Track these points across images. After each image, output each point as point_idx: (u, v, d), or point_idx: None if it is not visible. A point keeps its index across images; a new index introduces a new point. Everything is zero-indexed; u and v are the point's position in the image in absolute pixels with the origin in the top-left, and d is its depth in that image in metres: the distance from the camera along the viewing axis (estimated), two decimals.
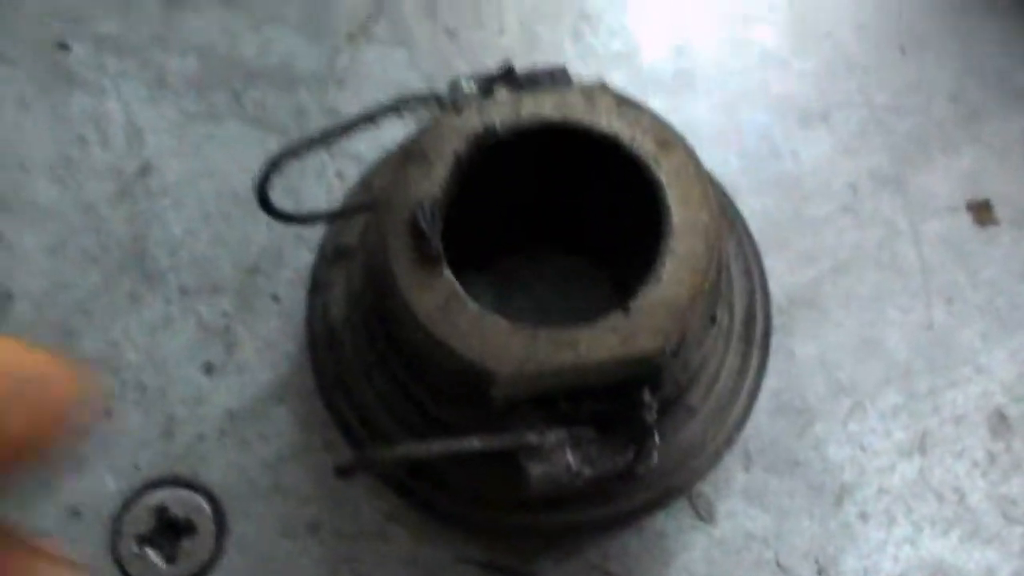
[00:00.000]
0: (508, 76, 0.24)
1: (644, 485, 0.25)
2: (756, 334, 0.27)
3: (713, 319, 0.23)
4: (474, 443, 0.20)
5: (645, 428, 0.21)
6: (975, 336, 0.30)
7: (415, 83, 0.31)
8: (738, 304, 0.27)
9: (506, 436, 0.20)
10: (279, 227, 0.30)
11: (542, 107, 0.22)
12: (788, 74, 0.32)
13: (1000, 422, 0.29)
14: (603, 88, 0.23)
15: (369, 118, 0.23)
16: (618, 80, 0.32)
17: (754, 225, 0.30)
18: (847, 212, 0.31)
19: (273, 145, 0.30)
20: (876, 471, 0.28)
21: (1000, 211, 0.31)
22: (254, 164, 0.30)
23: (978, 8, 0.34)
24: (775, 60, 0.33)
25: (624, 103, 0.23)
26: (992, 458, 0.28)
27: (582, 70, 0.32)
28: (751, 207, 0.30)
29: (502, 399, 0.21)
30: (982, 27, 0.33)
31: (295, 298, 0.29)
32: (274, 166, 0.23)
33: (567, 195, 0.26)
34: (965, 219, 0.31)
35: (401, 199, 0.22)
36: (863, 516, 0.28)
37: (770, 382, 0.29)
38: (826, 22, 0.33)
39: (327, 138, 0.23)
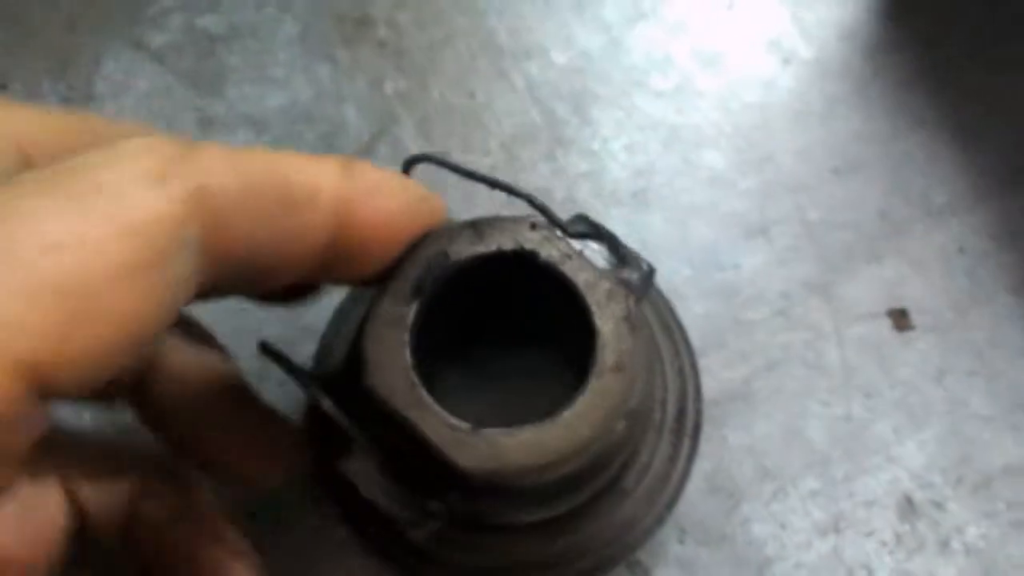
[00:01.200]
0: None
1: (581, 556, 0.29)
2: (687, 426, 0.31)
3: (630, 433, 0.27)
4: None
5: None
6: (888, 429, 0.34)
7: None
8: (671, 401, 0.31)
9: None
10: (290, 320, 0.35)
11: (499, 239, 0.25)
12: (733, 193, 0.37)
13: (907, 506, 0.33)
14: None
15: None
16: (583, 195, 0.37)
17: (697, 327, 0.34)
18: (779, 316, 0.35)
19: None
20: (795, 547, 0.32)
21: (916, 318, 0.35)
22: None
23: (905, 135, 0.38)
24: (722, 180, 0.37)
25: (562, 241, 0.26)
26: (899, 538, 0.32)
27: (554, 186, 0.37)
28: (695, 311, 0.35)
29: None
30: (908, 151, 0.38)
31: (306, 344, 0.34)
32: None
33: (530, 304, 0.30)
34: (885, 324, 0.35)
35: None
36: None
37: (704, 465, 0.33)
38: (767, 147, 0.38)
39: None
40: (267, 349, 0.27)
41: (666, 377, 0.31)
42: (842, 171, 0.38)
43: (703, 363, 0.33)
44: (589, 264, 0.25)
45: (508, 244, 0.25)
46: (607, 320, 0.24)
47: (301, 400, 0.34)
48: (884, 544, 0.32)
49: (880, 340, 0.35)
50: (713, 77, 0.39)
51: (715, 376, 0.34)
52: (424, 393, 0.24)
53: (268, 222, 0.20)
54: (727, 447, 0.33)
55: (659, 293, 0.33)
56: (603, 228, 0.26)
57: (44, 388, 0.17)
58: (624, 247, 0.26)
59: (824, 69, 0.39)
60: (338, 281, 0.25)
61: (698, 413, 0.31)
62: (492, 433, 0.23)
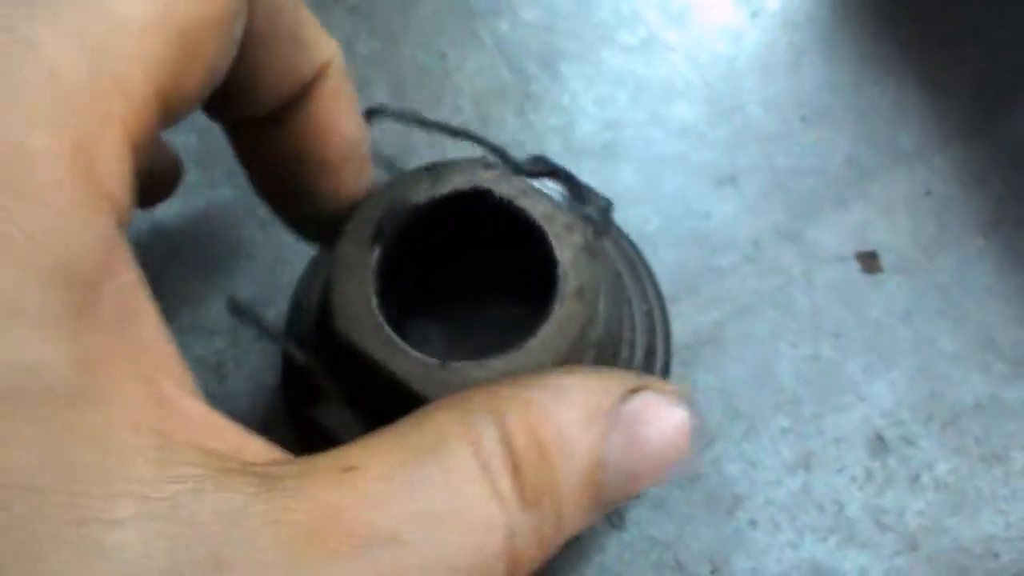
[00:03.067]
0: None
1: None
2: (656, 366, 0.32)
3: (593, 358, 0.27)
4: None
5: None
6: (858, 369, 0.34)
7: (382, 149, 0.37)
8: (639, 342, 0.31)
9: None
10: (266, 279, 0.36)
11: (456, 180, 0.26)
12: (702, 144, 0.38)
13: (877, 443, 0.33)
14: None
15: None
16: (554, 149, 0.38)
17: (669, 274, 0.35)
18: (749, 262, 0.36)
19: (261, 210, 0.36)
20: (765, 484, 0.33)
21: (885, 260, 0.36)
22: (244, 225, 0.36)
23: (871, 83, 0.38)
24: (691, 132, 0.38)
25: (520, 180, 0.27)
26: (869, 474, 0.33)
27: (525, 140, 0.37)
28: (667, 259, 0.36)
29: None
30: (875, 100, 0.38)
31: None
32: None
33: (495, 250, 0.30)
34: (853, 267, 0.36)
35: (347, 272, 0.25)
36: (752, 523, 0.32)
37: None
38: (736, 99, 0.38)
39: None
40: (236, 307, 0.27)
41: (634, 318, 0.31)
42: (810, 120, 0.38)
43: (675, 309, 0.34)
44: (546, 198, 0.25)
45: (464, 184, 0.26)
46: (566, 249, 0.25)
47: (277, 356, 0.34)
48: (854, 480, 0.33)
49: (849, 283, 0.35)
50: (681, 31, 0.40)
51: (687, 321, 0.35)
52: (391, 332, 0.24)
53: (281, 24, 0.22)
54: (698, 389, 0.34)
55: (625, 236, 0.33)
56: (559, 166, 0.26)
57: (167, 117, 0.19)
58: (581, 183, 0.26)
59: (791, 21, 0.40)
60: (298, 186, 0.26)
61: (667, 353, 0.32)
62: (460, 366, 0.24)
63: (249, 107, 0.24)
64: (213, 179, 0.37)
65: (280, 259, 0.35)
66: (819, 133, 0.38)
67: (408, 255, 0.27)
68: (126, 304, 0.17)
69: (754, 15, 0.40)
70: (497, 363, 0.24)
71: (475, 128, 0.38)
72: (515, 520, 0.18)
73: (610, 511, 0.21)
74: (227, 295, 0.35)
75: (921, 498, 0.32)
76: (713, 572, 0.31)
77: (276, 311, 0.35)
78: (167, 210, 0.36)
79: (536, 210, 0.25)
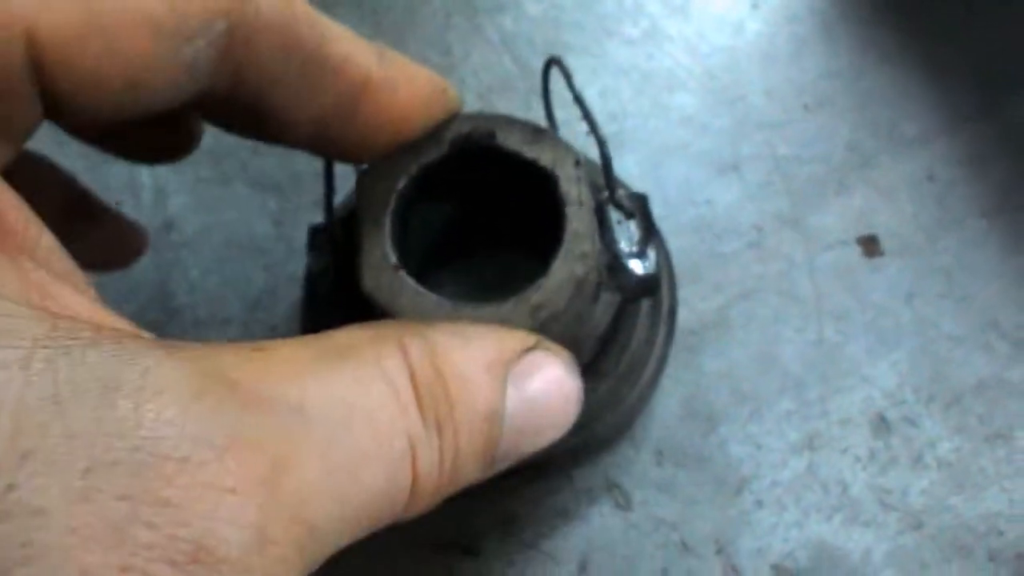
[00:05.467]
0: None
1: (565, 438, 0.30)
2: (662, 311, 0.32)
3: (596, 298, 0.28)
4: None
5: None
6: (861, 351, 0.35)
7: None
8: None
9: None
10: (277, 270, 0.36)
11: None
12: (705, 132, 0.38)
13: (880, 423, 0.34)
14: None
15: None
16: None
17: (673, 261, 0.35)
18: (752, 248, 0.36)
19: (272, 203, 0.37)
20: (770, 466, 0.33)
21: (886, 244, 0.36)
22: (256, 219, 0.37)
23: (872, 70, 0.39)
24: (694, 121, 0.38)
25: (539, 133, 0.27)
26: (872, 454, 0.33)
27: None
28: (671, 246, 0.36)
29: None
30: (876, 86, 0.39)
31: (289, 328, 0.35)
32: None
33: (514, 210, 0.31)
34: (855, 251, 0.36)
35: (374, 195, 0.26)
36: (758, 504, 0.33)
37: (681, 391, 0.34)
38: (738, 88, 0.39)
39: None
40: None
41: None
42: (811, 107, 0.38)
43: (680, 295, 0.34)
44: (551, 143, 0.27)
45: (465, 128, 0.27)
46: (573, 205, 0.26)
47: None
48: (858, 460, 0.33)
49: (851, 266, 0.36)
50: (683, 22, 0.40)
51: (692, 307, 0.35)
52: (405, 277, 0.25)
53: (293, 60, 0.23)
54: (703, 374, 0.34)
55: (626, 186, 0.33)
56: (646, 211, 0.29)
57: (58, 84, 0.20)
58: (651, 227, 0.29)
59: (792, 10, 0.40)
60: (355, 155, 0.27)
61: (672, 299, 0.32)
62: (457, 307, 0.24)
63: (289, 129, 0.25)
64: (225, 174, 0.38)
65: (292, 252, 0.36)
66: (820, 120, 0.38)
67: (425, 207, 0.28)
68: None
69: (755, 5, 0.40)
70: (491, 308, 0.24)
71: None
72: (417, 431, 0.19)
73: (499, 469, 0.22)
74: (244, 289, 0.36)
75: (924, 477, 0.33)
76: (718, 552, 0.32)
77: (288, 302, 0.36)
78: (180, 205, 0.37)
79: (544, 159, 0.26)
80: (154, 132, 0.28)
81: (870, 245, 0.36)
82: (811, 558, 0.32)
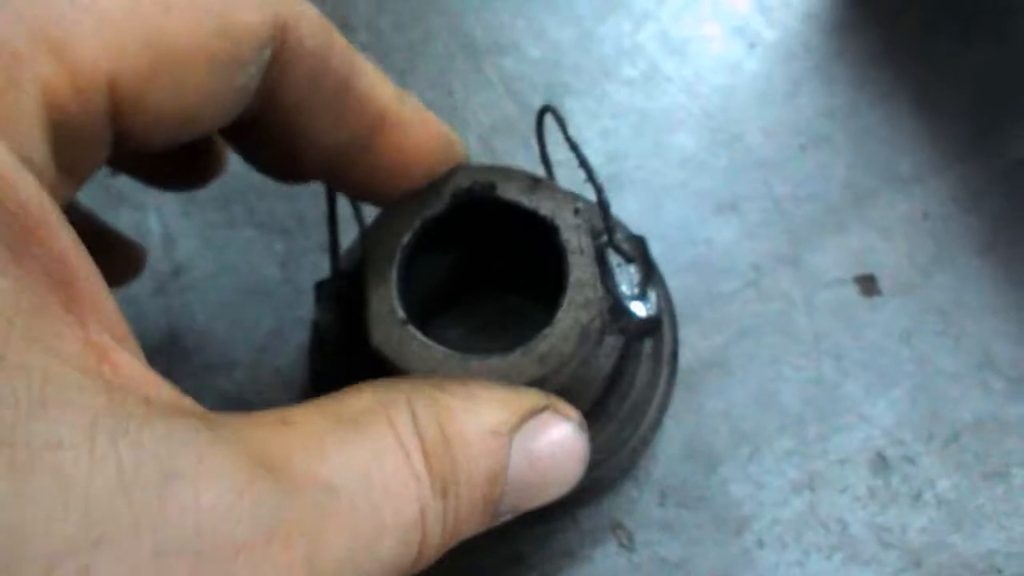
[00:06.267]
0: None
1: None
2: (664, 353, 0.32)
3: (600, 342, 0.28)
4: None
5: None
6: (859, 389, 0.35)
7: None
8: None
9: None
10: (284, 313, 0.37)
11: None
12: (703, 172, 0.39)
13: (879, 462, 0.34)
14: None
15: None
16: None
17: (673, 300, 0.36)
18: (751, 287, 0.37)
19: (278, 246, 0.38)
20: (771, 505, 0.34)
21: (883, 283, 0.37)
22: (263, 262, 0.38)
23: (867, 109, 0.39)
24: (692, 161, 0.39)
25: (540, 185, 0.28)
26: (872, 493, 0.34)
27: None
28: (671, 285, 0.36)
29: None
30: (871, 125, 0.39)
31: (294, 371, 0.36)
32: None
33: (515, 256, 0.31)
34: (852, 290, 0.37)
35: (379, 250, 0.27)
36: (759, 543, 0.33)
37: (682, 431, 0.35)
38: (735, 127, 0.39)
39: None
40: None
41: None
42: (808, 147, 0.39)
43: (679, 335, 0.35)
44: (550, 194, 0.28)
45: (465, 181, 0.28)
46: (575, 254, 0.26)
47: (297, 390, 0.36)
48: (858, 499, 0.33)
49: (848, 305, 0.36)
50: (681, 63, 0.41)
51: (691, 346, 0.36)
52: (413, 330, 0.26)
53: (323, 88, 0.24)
54: (704, 413, 0.35)
55: (625, 229, 0.34)
56: (646, 255, 0.30)
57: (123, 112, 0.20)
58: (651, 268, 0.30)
59: (788, 51, 0.41)
60: (347, 187, 0.28)
61: (674, 341, 0.33)
62: (465, 359, 0.25)
63: (307, 156, 0.26)
64: (232, 218, 0.38)
65: (298, 295, 0.37)
66: (817, 159, 0.39)
67: (429, 256, 0.29)
68: (61, 265, 0.18)
69: (752, 46, 0.41)
70: (497, 360, 0.25)
71: (482, 162, 0.39)
72: (426, 498, 0.20)
73: (502, 522, 0.23)
74: (255, 329, 0.36)
75: (923, 515, 0.33)
76: None
77: (294, 344, 0.36)
78: (188, 249, 0.38)
79: (544, 208, 0.27)
80: (186, 157, 0.29)
81: (867, 284, 0.37)
82: None
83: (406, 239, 0.27)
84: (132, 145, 0.21)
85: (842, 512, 0.33)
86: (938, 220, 0.38)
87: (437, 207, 0.28)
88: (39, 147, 0.18)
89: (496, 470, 0.21)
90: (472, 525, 0.22)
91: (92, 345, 0.17)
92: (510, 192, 0.28)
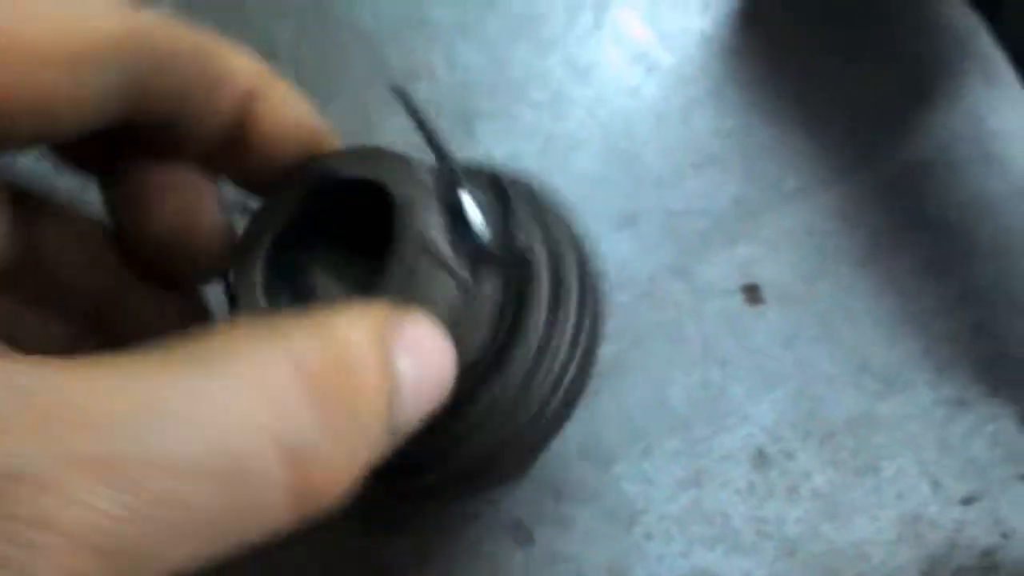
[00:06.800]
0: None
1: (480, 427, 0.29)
2: (578, 351, 0.31)
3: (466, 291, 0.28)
4: None
5: None
6: (743, 392, 0.38)
7: None
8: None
9: None
10: None
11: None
12: (603, 190, 0.41)
13: (760, 458, 0.37)
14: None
15: None
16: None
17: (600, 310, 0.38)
18: (645, 298, 0.39)
19: None
20: (660, 500, 0.36)
21: (767, 292, 0.39)
22: None
23: (758, 128, 0.42)
24: (592, 179, 0.41)
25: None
26: (752, 487, 0.36)
27: None
28: None
29: None
30: (762, 143, 0.42)
31: None
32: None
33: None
34: (739, 300, 0.39)
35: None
36: (648, 536, 0.36)
37: (579, 432, 0.37)
38: (634, 148, 0.42)
39: None
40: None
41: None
42: (701, 165, 0.42)
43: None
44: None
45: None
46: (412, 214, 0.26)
47: None
48: (739, 493, 0.36)
49: (735, 314, 0.39)
50: (584, 87, 0.43)
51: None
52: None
53: (194, 81, 0.24)
54: (600, 416, 0.37)
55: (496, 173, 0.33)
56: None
57: None
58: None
59: (684, 74, 0.44)
60: (229, 172, 0.28)
61: (591, 339, 0.32)
62: None
63: (189, 150, 0.26)
64: None
65: None
66: (710, 177, 0.41)
67: (299, 248, 0.29)
68: None
69: (649, 70, 0.44)
70: None
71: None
72: (300, 434, 0.18)
73: (403, 435, 0.22)
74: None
75: (799, 507, 0.36)
76: None
77: None
78: None
79: (376, 172, 0.28)
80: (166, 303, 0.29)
81: (753, 293, 0.39)
82: None
83: (263, 247, 0.27)
84: None
85: (725, 506, 0.36)
86: (821, 233, 0.40)
87: (291, 202, 0.28)
88: None
89: (390, 370, 0.20)
90: (378, 438, 0.20)
91: None
92: (353, 168, 0.28)
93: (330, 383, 0.19)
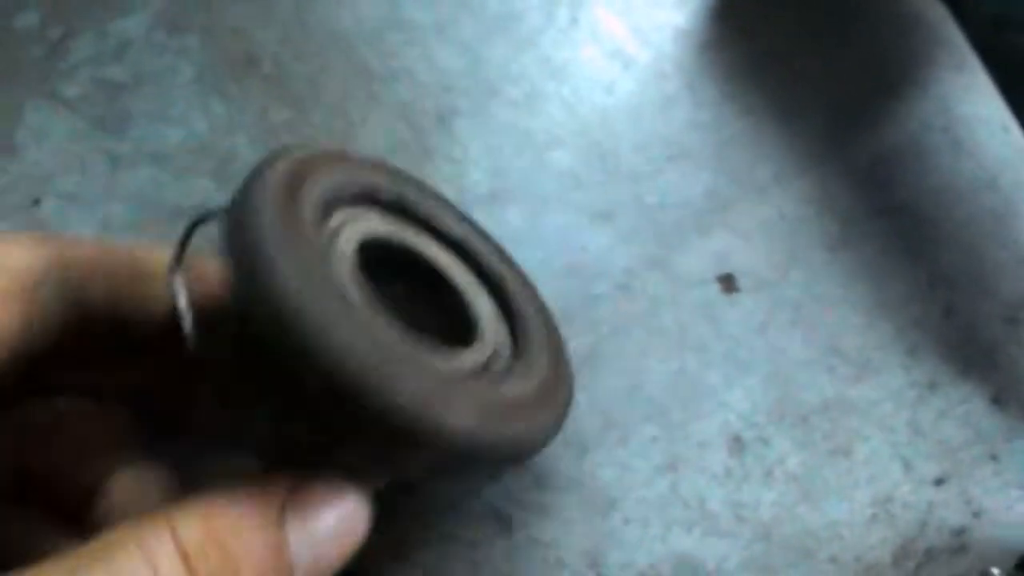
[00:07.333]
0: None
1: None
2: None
3: None
4: None
5: None
6: (718, 378, 0.38)
7: None
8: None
9: None
10: None
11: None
12: (580, 185, 0.42)
13: (735, 443, 0.37)
14: None
15: None
16: (448, 196, 0.42)
17: (550, 303, 0.39)
18: (622, 289, 0.40)
19: None
20: (637, 486, 0.37)
21: (742, 281, 0.40)
22: None
23: (732, 121, 0.43)
24: (570, 175, 0.42)
25: None
26: (728, 472, 0.37)
27: None
28: (549, 289, 0.40)
29: None
30: (735, 135, 0.43)
31: None
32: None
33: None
34: (714, 289, 0.40)
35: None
36: (625, 521, 0.36)
37: None
38: (610, 143, 0.43)
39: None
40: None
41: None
42: (675, 158, 0.42)
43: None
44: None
45: None
46: None
47: None
48: (715, 477, 0.37)
49: (710, 302, 0.40)
50: (560, 84, 0.44)
51: (568, 345, 0.39)
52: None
53: (122, 281, 0.26)
54: (578, 404, 0.38)
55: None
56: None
57: None
58: None
59: (659, 70, 0.44)
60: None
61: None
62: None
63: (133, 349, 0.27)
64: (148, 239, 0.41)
65: None
66: (684, 169, 0.42)
67: None
68: None
69: (625, 66, 0.44)
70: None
71: None
72: None
73: None
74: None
75: (774, 490, 0.37)
76: (590, 566, 0.36)
77: None
78: None
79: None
80: None
81: (727, 282, 0.40)
82: (674, 568, 0.36)
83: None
84: None
85: (701, 490, 0.37)
86: (793, 221, 0.41)
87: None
88: None
89: (277, 545, 0.22)
90: None
91: None
92: None
93: (212, 562, 0.20)
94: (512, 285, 0.33)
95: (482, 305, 0.31)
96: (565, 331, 0.39)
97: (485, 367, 0.27)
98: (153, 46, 0.45)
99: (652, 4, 0.46)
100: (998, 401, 0.38)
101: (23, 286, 0.24)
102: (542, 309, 0.34)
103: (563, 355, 0.32)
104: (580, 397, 0.38)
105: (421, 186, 0.34)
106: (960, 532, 0.36)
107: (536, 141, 0.43)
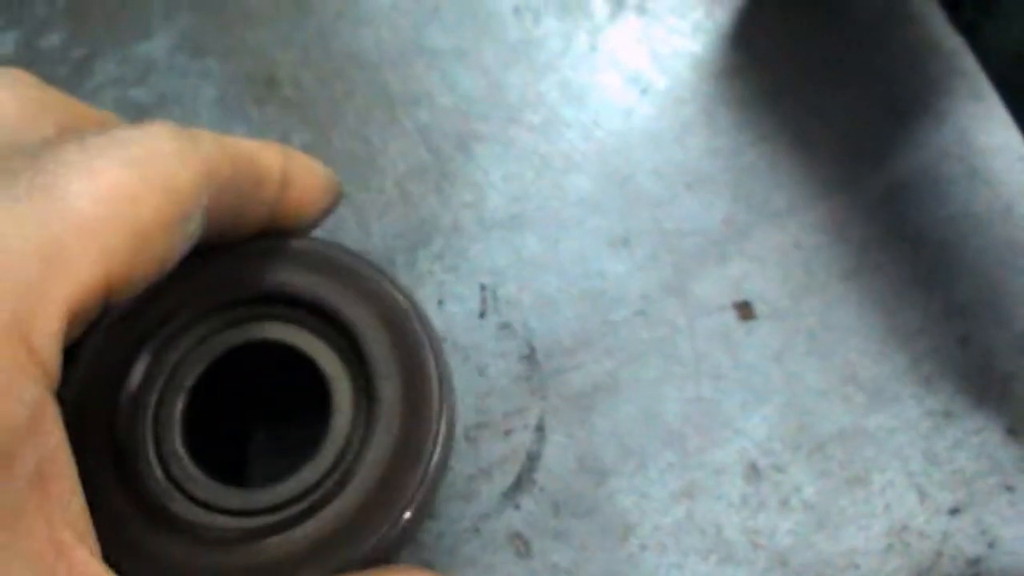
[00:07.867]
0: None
1: None
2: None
3: None
4: None
5: None
6: (735, 406, 0.39)
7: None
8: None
9: None
10: None
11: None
12: (598, 210, 0.42)
13: (752, 471, 0.38)
14: None
15: None
16: (467, 222, 0.42)
17: (569, 329, 0.40)
18: (639, 316, 0.40)
19: None
20: (654, 513, 0.37)
21: (758, 308, 0.40)
22: None
23: (748, 148, 0.43)
24: (588, 200, 0.43)
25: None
26: (744, 499, 0.37)
27: (441, 215, 0.42)
28: (567, 315, 0.40)
29: None
30: (751, 163, 0.43)
31: None
32: None
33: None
34: (731, 316, 0.40)
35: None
36: (643, 547, 0.37)
37: (575, 448, 0.38)
38: (627, 169, 0.43)
39: None
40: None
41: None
42: (693, 185, 0.43)
43: (573, 361, 0.39)
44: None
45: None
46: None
47: None
48: (732, 505, 0.37)
49: (727, 330, 0.40)
50: (579, 110, 0.45)
51: (585, 371, 0.39)
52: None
53: (245, 193, 0.27)
54: (595, 431, 0.38)
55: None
56: None
57: (109, 300, 0.23)
58: None
59: (677, 96, 0.45)
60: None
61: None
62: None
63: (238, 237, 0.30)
64: None
65: None
66: (701, 196, 0.43)
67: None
68: (44, 466, 0.20)
69: (644, 92, 0.45)
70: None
71: (398, 206, 0.43)
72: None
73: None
74: None
75: (790, 518, 0.37)
76: None
77: None
78: None
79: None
80: None
81: (744, 309, 0.40)
82: None
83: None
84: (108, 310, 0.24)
85: (717, 517, 0.37)
86: (808, 249, 0.41)
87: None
88: (54, 352, 0.21)
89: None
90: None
91: (54, 542, 0.20)
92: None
93: None
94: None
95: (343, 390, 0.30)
96: (584, 357, 0.39)
97: (300, 497, 0.28)
98: (175, 68, 0.46)
99: (670, 31, 0.46)
100: (1014, 431, 0.38)
101: (184, 215, 0.24)
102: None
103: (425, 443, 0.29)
104: (600, 424, 0.38)
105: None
106: (975, 562, 0.36)
107: (555, 166, 0.43)
